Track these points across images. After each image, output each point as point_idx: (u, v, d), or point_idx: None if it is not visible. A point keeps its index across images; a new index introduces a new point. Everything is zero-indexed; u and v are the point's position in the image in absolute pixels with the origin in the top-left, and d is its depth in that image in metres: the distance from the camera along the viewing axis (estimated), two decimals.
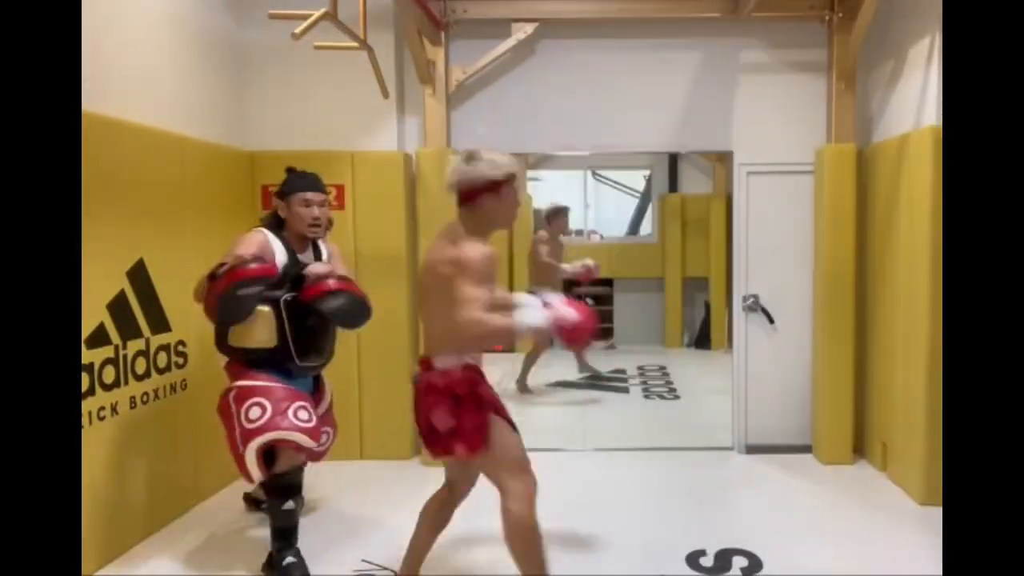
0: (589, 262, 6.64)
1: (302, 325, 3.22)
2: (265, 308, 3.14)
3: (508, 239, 9.07)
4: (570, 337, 2.78)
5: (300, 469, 3.27)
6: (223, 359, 3.30)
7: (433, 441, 2.73)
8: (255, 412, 3.06)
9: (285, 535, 3.23)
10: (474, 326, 2.49)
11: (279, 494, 3.20)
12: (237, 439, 3.08)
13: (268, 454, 3.15)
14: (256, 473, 3.09)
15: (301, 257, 3.32)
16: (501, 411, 2.81)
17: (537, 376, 7.66)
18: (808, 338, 4.83)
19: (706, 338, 9.20)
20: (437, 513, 3.01)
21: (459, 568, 3.34)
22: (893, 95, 4.38)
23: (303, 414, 3.14)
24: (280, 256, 3.23)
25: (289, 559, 3.21)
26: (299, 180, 3.35)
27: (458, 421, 2.67)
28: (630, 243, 9.88)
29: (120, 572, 3.30)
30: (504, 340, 2.65)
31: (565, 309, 2.71)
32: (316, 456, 3.40)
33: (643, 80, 4.84)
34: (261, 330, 3.14)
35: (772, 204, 4.80)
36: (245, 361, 3.20)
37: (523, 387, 6.81)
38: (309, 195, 3.30)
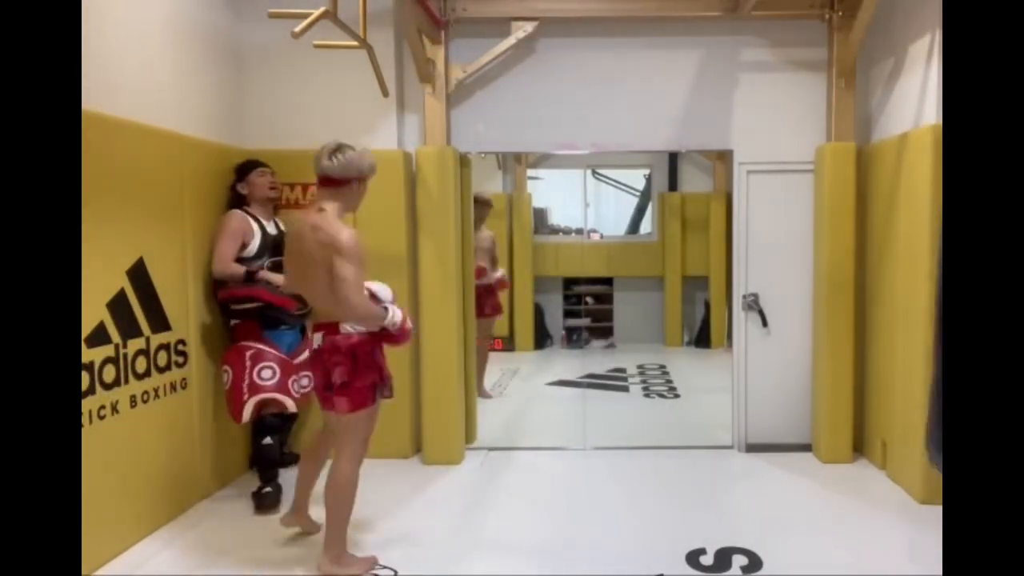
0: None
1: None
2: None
3: (508, 230, 9.08)
4: (395, 340, 3.16)
5: (278, 415, 4.03)
6: (232, 321, 4.03)
7: (324, 396, 3.12)
8: (267, 373, 3.89)
9: (267, 466, 4.01)
10: (352, 310, 2.93)
11: (262, 433, 3.99)
12: (244, 388, 3.85)
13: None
14: (248, 416, 3.87)
15: (268, 227, 4.16)
16: (386, 380, 3.22)
17: (537, 375, 7.69)
18: (808, 336, 4.83)
19: (706, 337, 9.20)
20: (316, 449, 3.48)
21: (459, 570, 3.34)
22: (893, 93, 4.38)
23: (296, 386, 4.01)
24: (256, 229, 4.08)
25: (266, 489, 3.96)
26: (250, 162, 4.24)
27: (351, 379, 3.05)
28: (630, 242, 9.88)
29: (120, 572, 3.30)
30: (370, 327, 3.10)
31: (399, 311, 3.13)
32: (300, 401, 4.18)
33: (643, 79, 4.84)
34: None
35: (772, 203, 4.80)
36: (258, 320, 3.96)
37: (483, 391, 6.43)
38: (262, 168, 4.22)
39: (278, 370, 3.92)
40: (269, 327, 4.02)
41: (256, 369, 3.87)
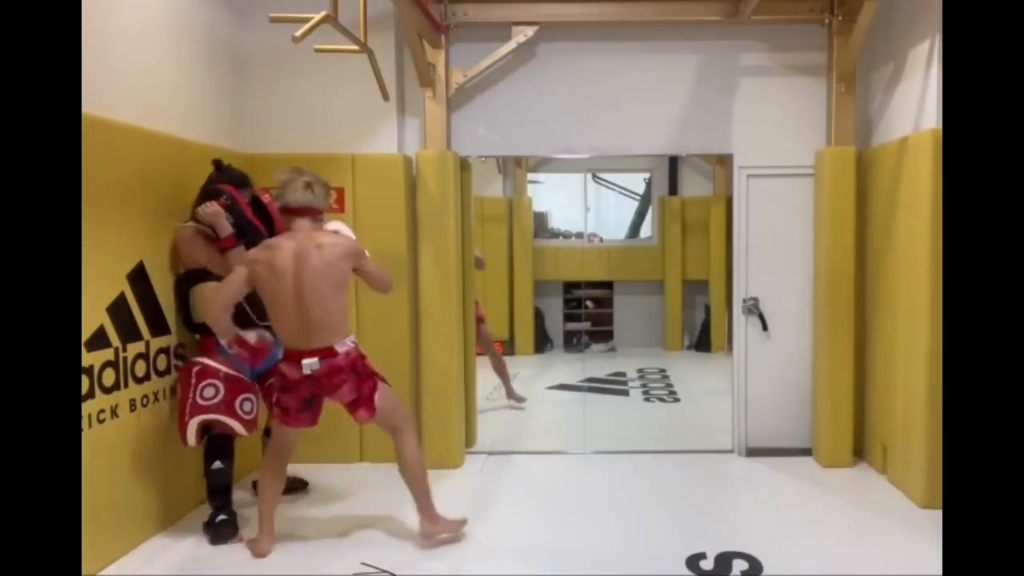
0: None
1: (250, 293, 3.50)
2: (213, 284, 3.60)
3: (508, 235, 9.08)
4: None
5: (229, 436, 3.65)
6: (196, 335, 3.80)
7: (358, 413, 3.45)
8: (209, 392, 3.55)
9: (217, 493, 3.63)
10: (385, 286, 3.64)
11: (210, 456, 3.63)
12: (187, 408, 3.53)
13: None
14: (192, 439, 3.56)
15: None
16: (378, 374, 3.52)
17: (537, 379, 7.68)
18: (808, 341, 4.83)
19: (706, 341, 9.20)
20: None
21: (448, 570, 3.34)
22: (893, 98, 4.39)
23: (247, 405, 3.65)
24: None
25: (221, 517, 3.61)
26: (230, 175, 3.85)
27: (359, 392, 3.41)
28: (630, 246, 9.89)
29: (120, 574, 3.30)
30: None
31: None
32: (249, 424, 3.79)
33: (643, 83, 4.84)
34: None
35: (772, 207, 4.80)
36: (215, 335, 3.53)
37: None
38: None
39: (222, 388, 3.56)
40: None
41: (199, 387, 3.54)
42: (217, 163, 3.88)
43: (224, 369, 3.61)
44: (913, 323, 3.98)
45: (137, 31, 3.66)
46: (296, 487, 4.24)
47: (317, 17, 3.28)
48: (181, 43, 4.05)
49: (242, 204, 3.77)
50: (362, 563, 3.37)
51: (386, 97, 4.10)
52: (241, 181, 3.88)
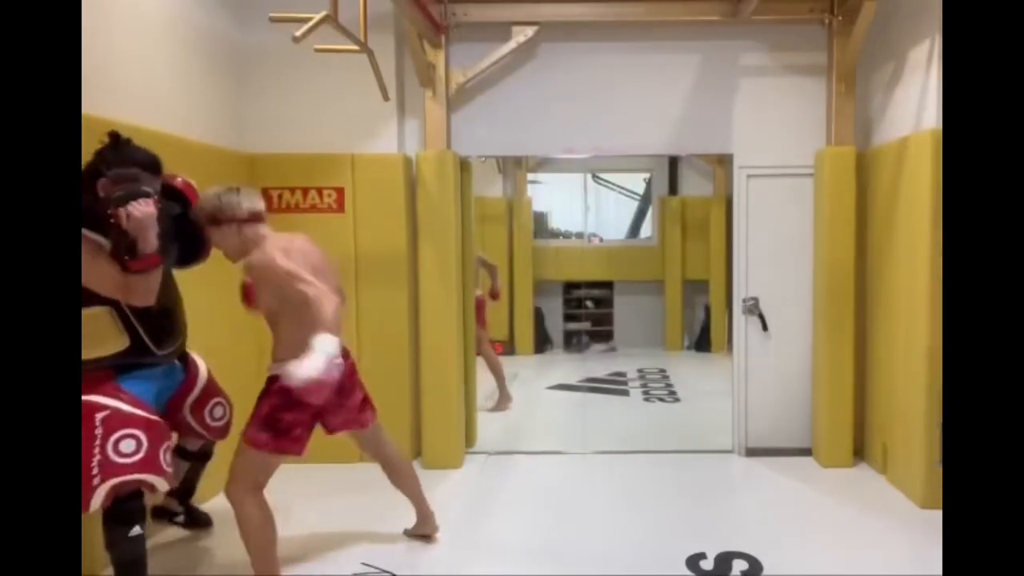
0: None
1: (146, 313, 2.86)
2: (102, 308, 2.76)
3: (508, 235, 9.08)
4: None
5: (140, 492, 2.82)
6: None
7: (366, 414, 3.36)
8: (128, 445, 2.71)
9: (133, 568, 2.82)
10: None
11: (126, 520, 2.76)
12: (94, 467, 2.64)
13: None
14: (98, 504, 2.66)
15: None
16: None
17: (537, 379, 7.68)
18: (808, 341, 4.83)
19: (706, 341, 9.21)
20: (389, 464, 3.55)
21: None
22: (893, 98, 4.39)
23: (168, 456, 2.88)
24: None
25: None
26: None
27: (364, 393, 3.37)
28: (630, 246, 9.90)
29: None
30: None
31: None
32: (217, 432, 3.36)
33: (643, 83, 4.84)
34: (109, 333, 2.79)
35: (772, 207, 4.80)
36: (112, 366, 2.81)
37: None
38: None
39: (144, 439, 2.74)
40: (127, 371, 2.86)
41: (112, 441, 2.67)
42: (115, 136, 2.84)
43: (144, 414, 2.80)
44: (913, 323, 3.98)
45: (137, 31, 3.66)
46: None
47: (317, 17, 3.28)
48: (181, 43, 4.05)
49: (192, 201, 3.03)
50: (362, 563, 3.37)
51: (386, 97, 4.09)
52: (154, 166, 2.87)
